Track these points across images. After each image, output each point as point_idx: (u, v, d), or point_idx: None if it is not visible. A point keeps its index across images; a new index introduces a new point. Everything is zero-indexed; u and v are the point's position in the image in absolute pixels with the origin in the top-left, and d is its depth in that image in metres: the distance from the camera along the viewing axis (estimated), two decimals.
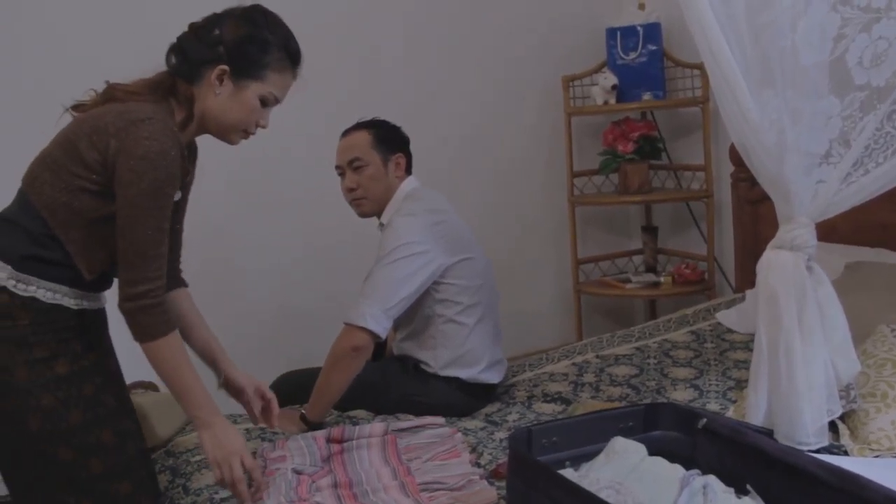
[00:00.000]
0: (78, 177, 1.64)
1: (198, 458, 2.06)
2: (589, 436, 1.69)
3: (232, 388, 1.98)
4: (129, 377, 2.49)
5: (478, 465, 1.97)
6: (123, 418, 1.78)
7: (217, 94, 1.73)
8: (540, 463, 1.52)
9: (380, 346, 2.43)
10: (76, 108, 1.75)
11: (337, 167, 2.43)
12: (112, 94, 1.73)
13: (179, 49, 1.75)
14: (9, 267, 1.64)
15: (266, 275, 3.26)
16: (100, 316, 1.81)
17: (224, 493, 1.90)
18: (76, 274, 1.68)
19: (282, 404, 2.42)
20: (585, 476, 1.57)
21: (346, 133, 2.44)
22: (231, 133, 1.79)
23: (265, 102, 1.77)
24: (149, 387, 2.42)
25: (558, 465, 1.62)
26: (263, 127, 1.81)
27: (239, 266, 3.22)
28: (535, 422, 2.24)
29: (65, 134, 1.70)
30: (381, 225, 2.39)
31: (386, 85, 3.35)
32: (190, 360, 1.72)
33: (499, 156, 3.72)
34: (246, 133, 1.80)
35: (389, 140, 2.41)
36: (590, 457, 1.68)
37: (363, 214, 2.43)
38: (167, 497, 1.97)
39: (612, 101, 3.59)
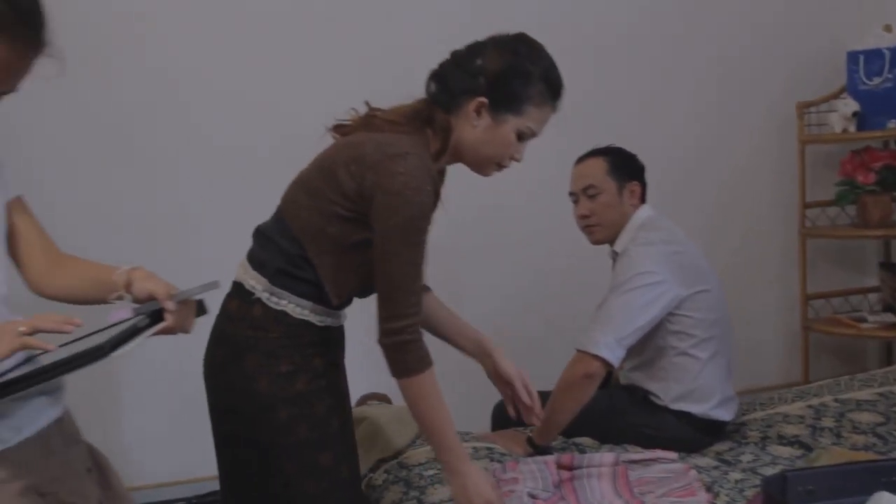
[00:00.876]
0: (333, 203, 1.65)
1: (431, 472, 2.12)
2: (849, 487, 1.59)
3: (499, 378, 1.91)
4: (364, 388, 2.63)
5: None
6: (344, 441, 1.78)
7: (474, 126, 1.70)
8: None
9: (607, 373, 2.40)
10: (336, 128, 1.79)
11: (571, 193, 2.44)
12: (371, 120, 1.73)
13: (440, 77, 1.74)
14: (265, 280, 1.69)
15: (487, 297, 3.31)
16: (341, 333, 1.83)
17: None
18: (324, 295, 1.70)
19: (505, 426, 2.47)
20: None
21: (580, 160, 2.45)
22: (485, 166, 1.76)
23: (522, 137, 1.72)
24: (382, 399, 2.53)
25: None
26: (517, 160, 1.77)
27: (461, 287, 3.29)
28: (771, 464, 2.15)
29: (323, 159, 1.73)
30: (615, 253, 2.37)
31: (609, 109, 3.32)
32: (444, 399, 1.69)
33: (722, 183, 3.59)
34: (500, 166, 1.77)
35: (625, 167, 2.39)
36: None
37: (596, 241, 2.42)
38: None
39: (852, 128, 3.38)
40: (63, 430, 1.45)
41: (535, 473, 2.01)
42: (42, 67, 1.27)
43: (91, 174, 2.81)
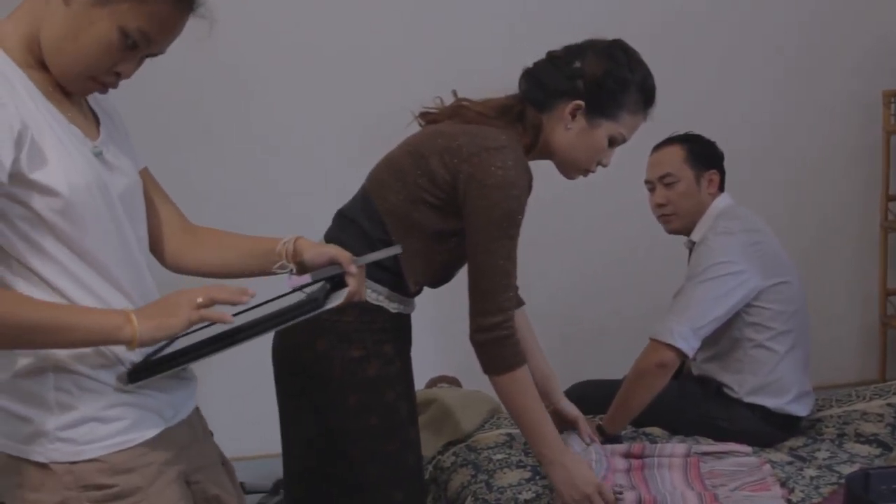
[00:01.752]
0: (423, 189, 1.64)
1: (500, 456, 2.13)
2: None
3: (563, 419, 1.99)
4: (433, 371, 2.65)
5: (789, 501, 1.87)
6: (411, 428, 1.77)
7: (568, 128, 1.69)
8: None
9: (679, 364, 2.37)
10: (423, 115, 1.79)
11: (647, 182, 2.40)
12: (460, 111, 1.73)
13: (534, 76, 1.73)
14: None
15: (555, 282, 3.29)
16: (409, 322, 1.81)
17: (528, 495, 1.95)
18: (400, 281, 1.69)
19: None
20: None
21: (657, 147, 2.40)
22: (574, 170, 1.76)
23: (613, 142, 1.72)
24: (452, 381, 2.54)
25: None
26: (605, 166, 1.76)
27: (529, 276, 3.25)
28: (848, 462, 2.10)
29: (415, 144, 1.71)
30: (692, 243, 2.33)
31: (678, 94, 3.20)
32: (538, 394, 1.69)
33: (799, 173, 3.49)
34: (587, 171, 1.76)
35: (703, 155, 2.35)
36: None
37: (672, 231, 2.38)
38: (469, 491, 2.04)
39: None
40: (201, 418, 1.40)
41: (590, 454, 1.99)
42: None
43: (163, 155, 2.86)
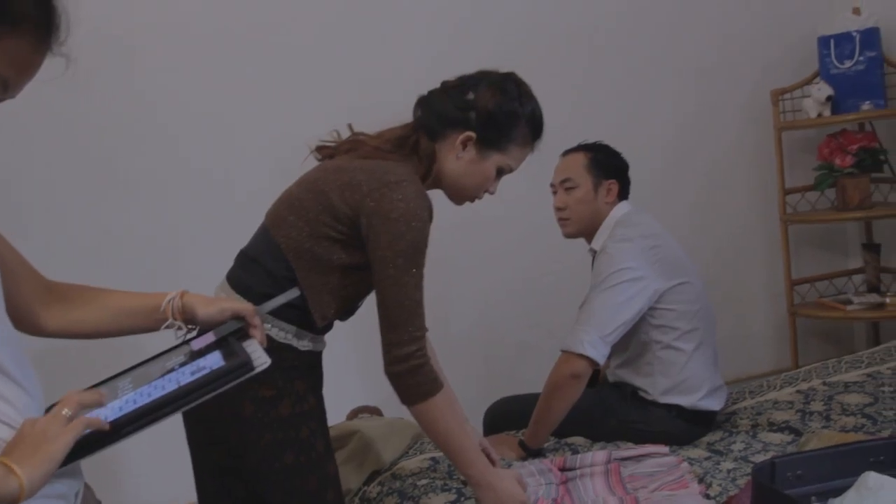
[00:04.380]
0: (325, 225, 1.65)
1: (424, 481, 2.12)
2: (836, 470, 1.59)
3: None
4: (354, 402, 2.63)
5: (707, 496, 1.91)
6: (329, 464, 1.76)
7: (458, 158, 1.73)
8: (790, 498, 1.45)
9: (594, 372, 2.41)
10: (320, 149, 1.80)
11: (551, 184, 2.45)
12: (357, 145, 1.75)
13: (429, 104, 1.76)
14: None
15: (474, 302, 3.30)
16: (320, 359, 1.81)
17: None
18: (307, 318, 1.68)
19: (496, 430, 2.48)
20: None
21: (565, 153, 2.46)
22: (461, 197, 1.80)
23: (500, 172, 1.78)
24: (374, 411, 2.52)
25: (804, 499, 1.54)
26: (491, 194, 1.81)
27: (448, 294, 3.29)
28: (762, 452, 2.15)
29: (313, 180, 1.71)
30: (593, 251, 2.38)
31: (590, 107, 3.30)
32: (459, 416, 1.70)
33: (701, 174, 3.60)
34: (474, 199, 1.81)
35: (605, 165, 2.40)
36: (837, 492, 1.57)
37: (567, 235, 2.44)
38: None
39: (827, 112, 3.40)
40: (90, 489, 1.23)
41: (535, 475, 2.00)
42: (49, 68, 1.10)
43: (69, 198, 2.79)
